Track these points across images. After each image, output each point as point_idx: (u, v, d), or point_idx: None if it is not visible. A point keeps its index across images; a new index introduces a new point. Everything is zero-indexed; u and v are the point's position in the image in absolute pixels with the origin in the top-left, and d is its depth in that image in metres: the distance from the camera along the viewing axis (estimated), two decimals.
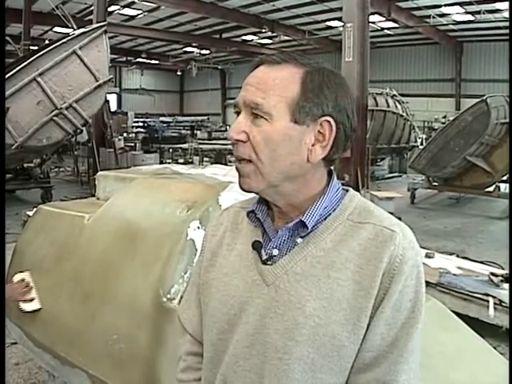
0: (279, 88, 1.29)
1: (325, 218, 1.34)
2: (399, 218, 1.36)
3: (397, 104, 19.76)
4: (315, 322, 1.25)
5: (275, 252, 1.35)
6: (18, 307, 3.36)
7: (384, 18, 23.88)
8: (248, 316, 1.34)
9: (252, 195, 1.45)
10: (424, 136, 22.88)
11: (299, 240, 1.33)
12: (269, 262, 1.35)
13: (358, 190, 1.44)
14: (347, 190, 1.42)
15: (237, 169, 1.35)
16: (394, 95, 19.91)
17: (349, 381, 1.28)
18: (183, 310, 1.65)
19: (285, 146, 1.29)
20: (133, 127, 31.13)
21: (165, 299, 2.59)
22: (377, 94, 18.47)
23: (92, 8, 17.23)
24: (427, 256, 6.45)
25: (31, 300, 3.38)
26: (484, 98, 13.27)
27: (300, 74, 1.31)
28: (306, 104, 1.29)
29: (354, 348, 1.25)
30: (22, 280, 3.43)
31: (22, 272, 3.51)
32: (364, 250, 1.27)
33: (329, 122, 1.32)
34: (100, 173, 4.18)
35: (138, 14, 26.99)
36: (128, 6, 25.01)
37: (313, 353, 1.25)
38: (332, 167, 1.42)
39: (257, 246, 1.38)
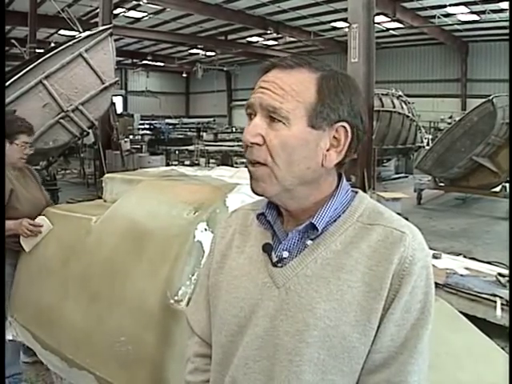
0: (296, 93, 1.29)
1: (334, 220, 1.34)
2: (406, 219, 1.36)
3: (403, 105, 19.71)
4: (326, 323, 1.25)
5: (285, 254, 1.35)
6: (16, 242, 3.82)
7: (389, 19, 23.88)
8: (258, 318, 1.34)
9: (261, 197, 1.45)
10: (430, 136, 22.82)
11: (309, 242, 1.34)
12: (279, 265, 1.35)
13: (364, 191, 1.44)
14: (356, 192, 1.43)
15: (249, 171, 1.35)
16: (400, 96, 19.87)
17: (359, 382, 1.28)
18: (191, 312, 1.65)
19: (301, 150, 1.30)
20: (139, 129, 31.20)
21: (172, 301, 2.59)
22: (382, 94, 18.43)
23: (97, 11, 17.27)
24: (434, 257, 6.43)
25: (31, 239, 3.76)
26: (490, 98, 13.21)
27: (315, 78, 1.32)
28: (323, 109, 1.30)
29: (365, 349, 1.25)
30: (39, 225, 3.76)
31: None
32: (374, 252, 1.27)
33: (344, 127, 1.33)
34: (107, 175, 4.19)
35: (144, 17, 27.05)
36: (133, 8, 25.06)
37: (323, 354, 1.25)
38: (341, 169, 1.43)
39: (267, 249, 1.38)
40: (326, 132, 1.32)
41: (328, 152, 1.33)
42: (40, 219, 3.82)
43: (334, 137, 1.33)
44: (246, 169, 1.38)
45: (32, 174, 4.40)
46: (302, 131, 1.29)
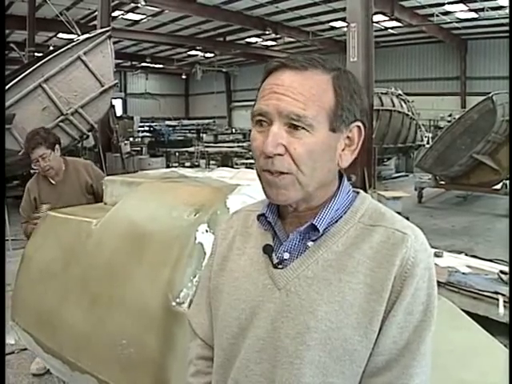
0: (317, 98, 1.25)
1: (336, 221, 1.34)
2: (407, 218, 1.35)
3: (402, 103, 19.70)
4: (327, 325, 1.24)
5: (286, 256, 1.34)
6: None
7: (387, 18, 23.84)
8: (259, 320, 1.33)
9: (262, 198, 1.44)
10: (430, 135, 22.79)
11: (310, 243, 1.33)
12: (280, 266, 1.34)
13: (365, 191, 1.43)
14: (358, 193, 1.42)
15: (267, 181, 1.29)
16: (400, 94, 19.86)
17: None
18: (193, 314, 1.64)
19: (324, 155, 1.28)
20: (139, 131, 31.21)
21: (174, 303, 2.58)
22: (382, 93, 18.41)
23: (96, 13, 17.28)
24: (436, 255, 6.42)
25: None
26: (490, 95, 13.20)
27: (330, 80, 1.29)
28: (342, 112, 1.28)
29: (366, 352, 1.24)
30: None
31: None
32: (376, 253, 1.26)
33: (358, 126, 1.33)
34: (107, 177, 4.19)
35: (142, 19, 27.02)
36: (132, 10, 25.03)
37: (324, 357, 1.24)
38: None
39: (268, 250, 1.37)
40: (343, 133, 1.32)
41: (343, 152, 1.33)
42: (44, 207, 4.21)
43: (348, 136, 1.33)
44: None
45: (79, 181, 4.75)
46: (325, 136, 1.27)
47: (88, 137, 13.38)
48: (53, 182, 4.59)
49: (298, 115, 1.23)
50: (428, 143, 19.96)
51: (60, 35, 25.90)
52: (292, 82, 1.26)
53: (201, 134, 33.87)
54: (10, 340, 4.00)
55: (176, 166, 17.57)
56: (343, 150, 1.33)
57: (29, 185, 4.69)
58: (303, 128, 1.24)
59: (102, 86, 11.93)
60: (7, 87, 10.26)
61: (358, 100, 1.32)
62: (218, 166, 16.33)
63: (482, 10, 22.54)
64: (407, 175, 21.07)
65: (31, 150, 4.43)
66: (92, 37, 11.92)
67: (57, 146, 4.56)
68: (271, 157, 1.25)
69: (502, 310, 5.18)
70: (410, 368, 1.23)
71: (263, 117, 1.28)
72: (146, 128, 33.49)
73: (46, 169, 4.49)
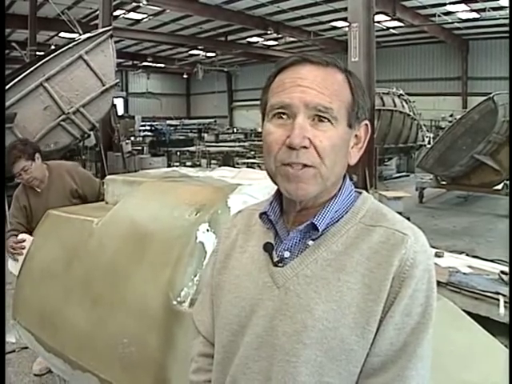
0: (338, 93, 1.29)
1: (337, 221, 1.34)
2: (408, 218, 1.36)
3: (403, 103, 19.67)
4: (324, 325, 1.24)
5: (286, 254, 1.35)
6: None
7: (389, 18, 23.81)
8: (258, 318, 1.33)
9: (263, 197, 1.44)
10: (431, 135, 22.77)
11: (310, 242, 1.33)
12: (280, 264, 1.35)
13: (366, 190, 1.44)
14: (360, 193, 1.42)
15: (287, 176, 1.28)
16: (401, 94, 19.82)
17: None
18: (197, 312, 1.65)
19: (342, 150, 1.31)
20: (140, 131, 31.21)
21: (175, 302, 2.59)
22: (383, 93, 18.38)
23: (97, 13, 17.25)
24: (437, 255, 6.41)
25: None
26: (491, 95, 13.19)
27: (345, 78, 1.33)
28: (357, 109, 1.32)
29: (363, 352, 1.24)
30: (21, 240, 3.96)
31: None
32: (375, 254, 1.26)
33: (366, 125, 1.38)
34: (108, 177, 4.19)
35: (144, 18, 27.04)
36: (133, 10, 25.03)
37: (321, 356, 1.24)
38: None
39: (268, 248, 1.37)
40: (355, 130, 1.35)
41: (352, 149, 1.36)
42: (22, 235, 4.04)
43: (356, 135, 1.36)
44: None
45: (63, 186, 4.66)
46: (344, 131, 1.30)
47: (89, 136, 13.37)
48: (38, 190, 4.58)
49: (326, 107, 1.26)
50: (429, 143, 19.94)
51: (61, 34, 25.93)
52: (316, 77, 1.28)
53: (202, 134, 33.86)
54: (10, 338, 4.00)
55: (177, 166, 17.57)
56: (352, 147, 1.36)
57: (17, 192, 4.68)
58: (329, 120, 1.27)
59: (104, 86, 11.93)
60: (8, 86, 10.26)
61: (366, 99, 1.36)
62: (220, 166, 16.33)
63: (484, 10, 22.52)
64: (408, 175, 21.02)
65: (11, 164, 4.40)
66: (93, 36, 11.92)
67: (37, 155, 4.51)
68: (296, 149, 1.25)
69: (502, 310, 5.18)
70: (405, 370, 1.22)
71: (285, 109, 1.28)
72: (148, 127, 33.49)
73: (30, 180, 4.49)
